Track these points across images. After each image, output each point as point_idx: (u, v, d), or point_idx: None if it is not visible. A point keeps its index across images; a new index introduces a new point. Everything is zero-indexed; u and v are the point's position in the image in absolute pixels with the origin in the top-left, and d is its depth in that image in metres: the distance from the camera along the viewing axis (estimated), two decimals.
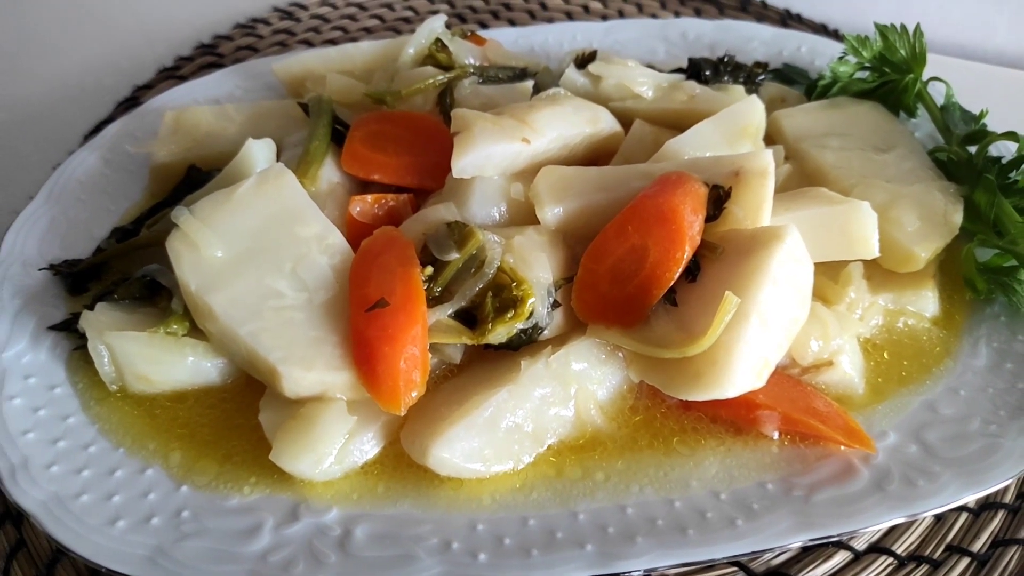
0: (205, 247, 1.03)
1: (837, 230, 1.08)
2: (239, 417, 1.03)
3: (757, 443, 1.01)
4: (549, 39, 1.57)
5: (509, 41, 1.54)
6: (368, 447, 0.99)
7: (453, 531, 0.91)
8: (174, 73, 1.71)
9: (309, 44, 1.77)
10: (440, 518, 0.93)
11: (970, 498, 0.94)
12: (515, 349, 1.04)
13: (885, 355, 1.11)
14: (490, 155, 1.09)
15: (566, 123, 1.16)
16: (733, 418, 1.02)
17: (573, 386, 1.02)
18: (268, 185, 1.08)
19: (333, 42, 1.75)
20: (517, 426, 0.98)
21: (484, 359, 1.06)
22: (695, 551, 0.88)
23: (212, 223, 1.04)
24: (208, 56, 1.75)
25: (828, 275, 1.13)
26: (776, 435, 1.01)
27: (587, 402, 1.02)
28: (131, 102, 1.64)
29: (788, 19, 1.86)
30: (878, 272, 1.15)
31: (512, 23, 1.79)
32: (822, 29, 1.82)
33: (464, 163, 1.09)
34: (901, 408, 1.05)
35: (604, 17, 1.80)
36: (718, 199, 1.05)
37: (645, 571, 0.87)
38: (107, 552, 0.88)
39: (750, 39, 1.57)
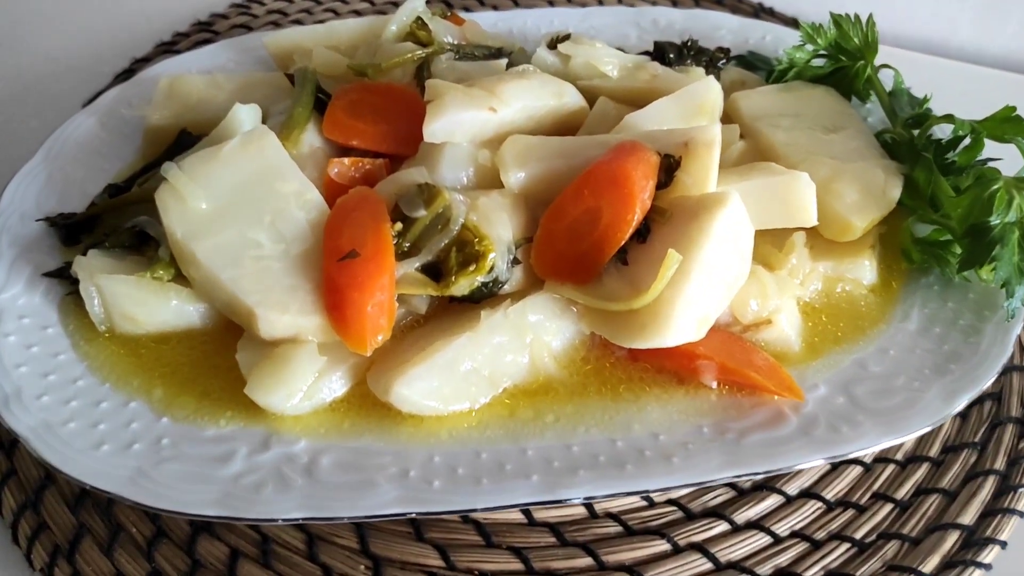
0: (191, 199, 1.10)
1: (778, 199, 1.15)
2: (218, 358, 1.10)
3: (697, 392, 1.09)
4: (527, 23, 1.65)
5: (488, 24, 1.61)
6: (336, 386, 1.06)
7: (411, 462, 0.99)
8: (171, 48, 1.78)
9: (300, 24, 1.84)
10: (400, 451, 1.01)
11: (887, 444, 1.02)
12: (477, 302, 1.11)
13: (823, 317, 1.19)
14: (459, 121, 1.17)
15: (532, 95, 1.23)
16: (676, 368, 1.10)
17: (529, 335, 1.09)
18: (252, 145, 1.16)
19: (323, 22, 1.82)
20: (475, 369, 1.06)
21: (448, 311, 1.14)
22: (630, 483, 0.96)
23: (198, 177, 1.12)
24: (204, 32, 1.83)
25: (773, 244, 1.21)
26: (715, 385, 1.09)
27: (541, 351, 1.10)
28: (129, 74, 1.72)
29: (761, 12, 1.94)
30: (820, 242, 1.23)
31: (496, 8, 1.86)
32: (792, 23, 1.90)
33: (435, 128, 1.16)
34: (833, 365, 1.12)
35: (583, 5, 1.88)
36: (669, 167, 1.13)
37: (584, 499, 0.95)
38: (92, 472, 0.96)
39: (718, 27, 1.64)
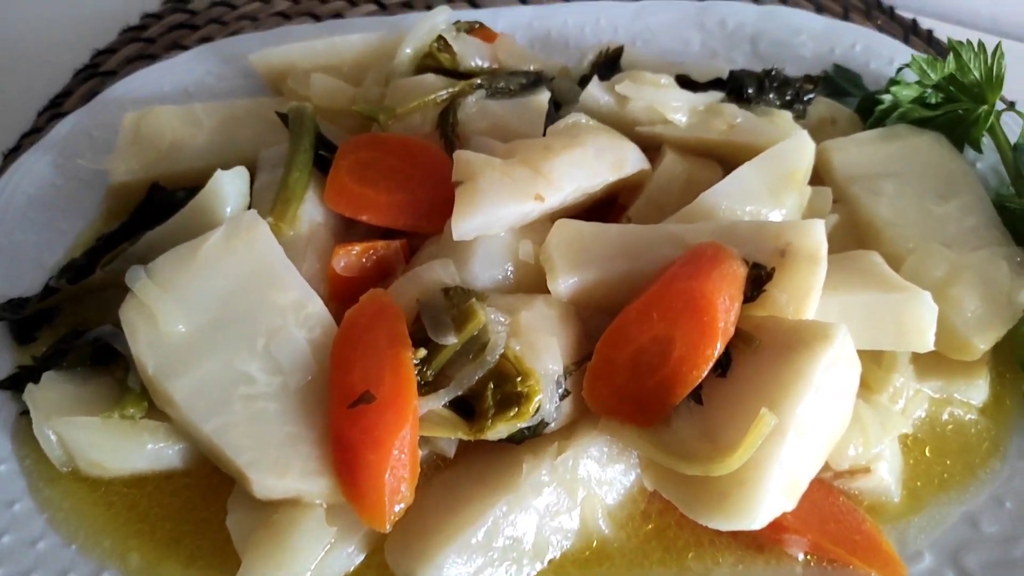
0: (164, 320, 0.89)
1: (891, 320, 0.94)
2: (204, 509, 0.92)
3: (779, 562, 0.91)
4: (568, 22, 1.37)
5: (523, 23, 1.34)
6: (349, 560, 0.88)
7: None
8: (140, 35, 1.50)
9: (285, 17, 1.54)
10: None
11: None
12: (517, 443, 0.92)
13: (926, 452, 1.00)
14: (498, 217, 0.94)
15: (586, 172, 0.99)
16: (755, 535, 0.92)
17: (580, 492, 0.91)
18: (239, 240, 0.93)
19: (314, 16, 1.51)
20: (516, 541, 0.88)
21: (480, 450, 0.94)
22: None
23: (173, 288, 0.90)
24: (179, 14, 1.54)
25: (871, 357, 1.00)
26: (800, 556, 0.91)
27: (594, 509, 0.92)
28: (91, 69, 1.45)
29: (852, 10, 1.59)
30: (926, 355, 1.02)
31: (524, 1, 1.54)
32: (910, 27, 1.55)
33: (468, 227, 0.93)
34: (939, 521, 0.94)
35: None
36: (758, 279, 0.92)
37: None
38: None
39: (798, 31, 1.36)
